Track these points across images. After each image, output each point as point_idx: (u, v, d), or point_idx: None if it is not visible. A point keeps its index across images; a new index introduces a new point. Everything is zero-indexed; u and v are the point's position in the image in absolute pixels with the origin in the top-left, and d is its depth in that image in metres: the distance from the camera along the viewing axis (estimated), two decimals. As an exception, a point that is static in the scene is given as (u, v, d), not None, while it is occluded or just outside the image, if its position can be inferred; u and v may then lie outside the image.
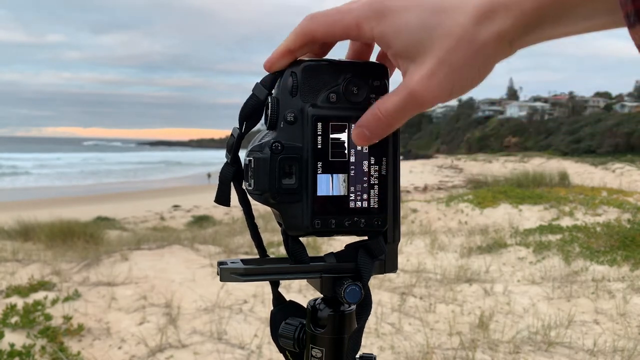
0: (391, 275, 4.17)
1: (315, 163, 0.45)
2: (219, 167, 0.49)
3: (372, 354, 0.54)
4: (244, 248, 5.34)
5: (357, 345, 0.50)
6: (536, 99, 75.71)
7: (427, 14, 0.39)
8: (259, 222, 0.52)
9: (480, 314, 3.27)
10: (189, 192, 23.43)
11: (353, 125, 0.46)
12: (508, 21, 0.37)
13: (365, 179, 0.47)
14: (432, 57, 0.39)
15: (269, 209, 0.47)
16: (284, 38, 0.45)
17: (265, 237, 4.61)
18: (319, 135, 0.45)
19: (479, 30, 0.38)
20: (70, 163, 55.26)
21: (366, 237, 0.49)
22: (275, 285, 0.53)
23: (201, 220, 11.87)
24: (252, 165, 0.45)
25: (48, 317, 2.95)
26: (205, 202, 16.55)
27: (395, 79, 0.46)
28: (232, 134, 0.48)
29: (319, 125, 0.45)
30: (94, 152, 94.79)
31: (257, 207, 0.52)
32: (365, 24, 0.41)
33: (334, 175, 0.46)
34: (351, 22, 0.42)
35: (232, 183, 0.49)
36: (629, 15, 0.33)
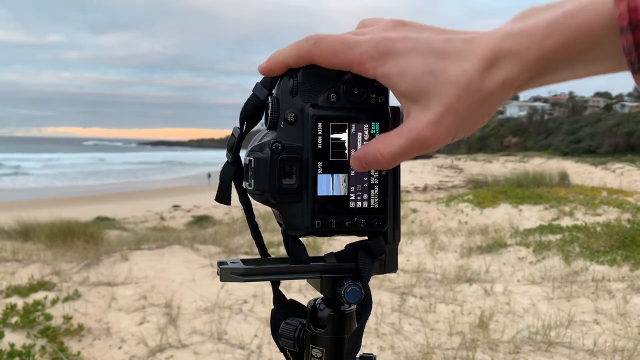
0: (391, 275, 4.17)
1: (315, 163, 0.45)
2: (220, 167, 0.49)
3: (372, 354, 0.54)
4: (244, 248, 5.34)
5: (357, 345, 0.51)
6: (536, 98, 75.73)
7: (433, 59, 0.40)
8: (259, 222, 0.52)
9: (480, 314, 3.27)
10: (189, 192, 23.43)
11: (353, 125, 0.46)
12: (514, 69, 0.38)
13: (366, 179, 0.47)
14: (438, 104, 0.40)
15: (269, 208, 0.47)
16: (284, 38, 0.45)
17: (265, 237, 4.59)
18: (319, 135, 0.45)
19: (485, 79, 0.39)
20: (70, 163, 55.26)
21: (366, 237, 0.49)
22: (275, 284, 0.53)
23: (201, 220, 11.87)
24: (253, 165, 0.45)
25: (48, 317, 2.95)
26: (205, 202, 16.55)
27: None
28: (232, 134, 0.48)
29: (319, 125, 0.45)
30: (93, 152, 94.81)
31: (257, 207, 0.52)
32: (368, 62, 0.41)
33: (334, 175, 0.46)
34: (354, 58, 0.42)
35: (232, 182, 0.49)
36: (633, 62, 0.34)
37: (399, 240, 0.51)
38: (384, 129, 0.46)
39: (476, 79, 0.39)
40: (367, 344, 2.82)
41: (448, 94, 0.39)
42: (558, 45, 0.36)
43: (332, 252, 0.50)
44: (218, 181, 0.49)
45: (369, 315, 0.51)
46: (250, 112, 0.47)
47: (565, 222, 6.31)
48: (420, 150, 0.41)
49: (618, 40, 0.35)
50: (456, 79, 0.39)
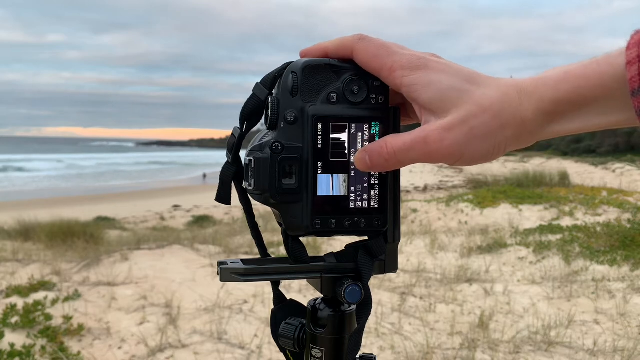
0: (391, 275, 4.17)
1: (315, 163, 0.45)
2: (217, 168, 0.49)
3: (372, 354, 0.54)
4: (244, 248, 5.34)
5: (357, 345, 0.51)
6: (536, 99, 75.62)
7: (460, 80, 0.42)
8: (259, 222, 0.52)
9: (480, 314, 3.27)
10: (189, 192, 23.43)
11: (353, 125, 0.46)
12: (530, 108, 0.40)
13: (366, 179, 0.47)
14: (454, 114, 0.41)
15: (269, 208, 0.47)
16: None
17: (265, 237, 4.60)
18: (319, 135, 0.45)
19: (503, 109, 0.41)
20: (70, 163, 55.22)
21: (366, 237, 0.49)
22: (275, 284, 0.53)
23: (201, 220, 11.86)
24: (253, 165, 0.45)
25: (48, 317, 2.94)
26: (205, 202, 16.55)
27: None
28: (232, 134, 0.48)
29: (319, 125, 0.45)
30: (93, 152, 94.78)
31: (257, 207, 0.52)
32: (398, 71, 0.43)
33: (334, 175, 0.46)
34: (387, 64, 0.43)
35: (232, 182, 0.49)
36: None
37: (399, 240, 0.51)
38: (384, 129, 0.46)
39: (496, 105, 0.41)
40: (367, 344, 2.82)
41: (467, 109, 0.41)
42: (570, 90, 0.38)
43: (332, 252, 0.50)
44: (214, 181, 0.49)
45: (369, 315, 0.51)
46: (250, 112, 0.47)
47: (566, 222, 6.31)
48: (422, 152, 0.42)
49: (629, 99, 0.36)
50: (478, 100, 0.41)
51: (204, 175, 34.08)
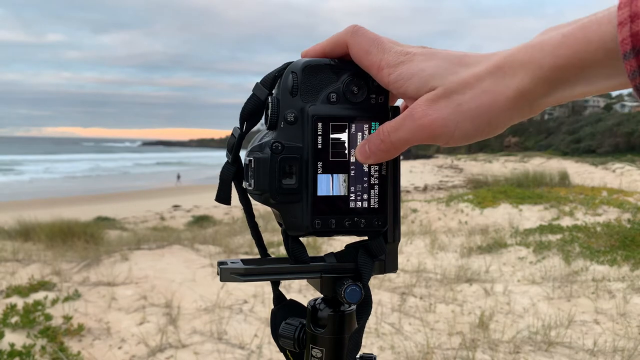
0: (391, 275, 4.17)
1: (315, 163, 0.45)
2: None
3: (372, 354, 0.54)
4: (244, 248, 5.34)
5: (357, 345, 0.51)
6: (536, 98, 75.45)
7: (446, 64, 0.41)
8: (259, 222, 0.52)
9: (480, 314, 3.27)
10: (189, 192, 23.43)
11: (353, 125, 0.46)
12: (526, 79, 0.38)
13: (366, 179, 0.47)
14: (439, 88, 0.40)
15: (269, 208, 0.47)
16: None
17: (265, 237, 4.61)
18: (319, 135, 0.45)
19: (495, 82, 0.39)
20: (70, 163, 55.18)
21: (366, 237, 0.49)
22: (275, 284, 0.53)
23: (201, 220, 11.87)
24: (252, 165, 0.45)
25: (48, 317, 2.95)
26: (205, 202, 16.56)
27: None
28: (232, 134, 0.48)
29: (319, 125, 0.45)
30: (93, 152, 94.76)
31: (257, 207, 0.52)
32: (385, 69, 0.42)
33: (334, 175, 0.46)
34: (376, 62, 0.43)
35: (232, 182, 0.49)
36: (639, 87, 0.34)
37: (399, 240, 0.50)
38: (384, 129, 0.46)
39: (484, 80, 0.39)
40: (367, 344, 2.82)
41: (453, 83, 0.40)
42: (571, 56, 0.36)
43: (332, 252, 0.50)
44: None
45: (369, 315, 0.51)
46: (250, 112, 0.47)
47: (566, 222, 6.31)
48: (411, 126, 0.41)
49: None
50: (465, 77, 0.40)
51: (178, 176, 32.64)
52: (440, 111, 0.40)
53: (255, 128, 0.49)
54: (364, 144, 0.45)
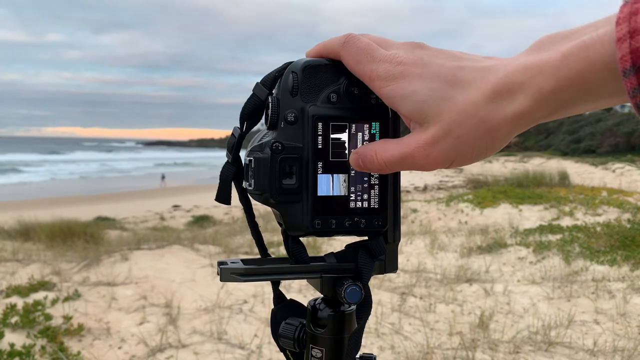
0: (391, 275, 4.17)
1: (315, 163, 0.45)
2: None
3: (372, 354, 0.54)
4: (244, 248, 5.34)
5: (357, 345, 0.51)
6: (536, 99, 75.53)
7: (440, 84, 0.39)
8: (259, 222, 0.52)
9: (480, 314, 3.27)
10: (189, 192, 23.43)
11: (353, 125, 0.46)
12: (526, 103, 0.36)
13: (366, 179, 0.47)
14: (437, 127, 0.39)
15: (269, 208, 0.47)
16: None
17: (265, 237, 4.59)
18: (320, 135, 0.45)
19: (493, 110, 0.38)
20: (70, 163, 55.16)
21: (366, 237, 0.49)
22: (276, 284, 0.53)
23: (201, 220, 11.87)
24: (253, 165, 0.45)
25: (48, 317, 2.94)
26: (205, 202, 16.56)
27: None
28: (232, 134, 0.48)
29: (320, 125, 0.45)
30: (93, 152, 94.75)
31: (257, 206, 0.52)
32: (376, 81, 0.42)
33: (335, 175, 0.46)
34: (366, 72, 0.42)
35: (232, 182, 0.49)
36: (639, 105, 0.33)
37: (399, 240, 0.51)
38: (384, 129, 0.46)
39: (481, 110, 0.38)
40: (367, 344, 2.82)
41: (449, 119, 0.39)
42: (573, 77, 0.34)
43: (332, 252, 0.50)
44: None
45: (369, 315, 0.51)
46: (251, 112, 0.47)
47: (565, 222, 6.31)
48: (412, 167, 0.41)
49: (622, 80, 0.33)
50: (461, 107, 0.38)
51: (163, 177, 31.97)
52: (440, 149, 0.40)
53: (255, 128, 0.49)
54: (357, 157, 0.44)
